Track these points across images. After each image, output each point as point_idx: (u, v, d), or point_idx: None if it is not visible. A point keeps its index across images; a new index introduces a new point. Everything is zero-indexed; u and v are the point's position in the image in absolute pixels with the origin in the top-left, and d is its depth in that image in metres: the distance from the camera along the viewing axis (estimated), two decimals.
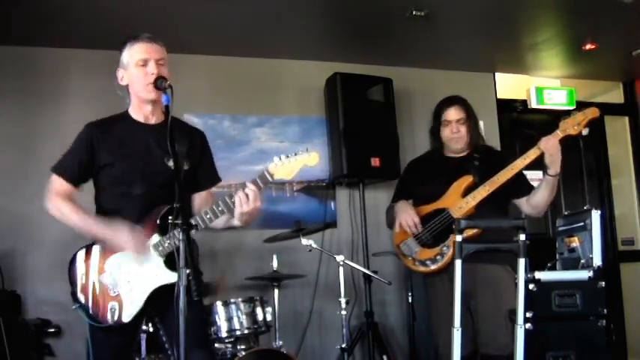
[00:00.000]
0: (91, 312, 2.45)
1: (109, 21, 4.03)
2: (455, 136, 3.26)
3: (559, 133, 3.02)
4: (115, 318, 2.42)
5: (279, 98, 5.02)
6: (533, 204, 3.18)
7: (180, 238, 2.11)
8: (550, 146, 2.98)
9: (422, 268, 3.14)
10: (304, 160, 2.41)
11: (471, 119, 3.30)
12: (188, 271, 2.06)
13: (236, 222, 2.50)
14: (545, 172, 3.06)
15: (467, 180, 3.15)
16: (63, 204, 2.50)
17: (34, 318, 4.01)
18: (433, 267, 3.08)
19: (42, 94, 4.44)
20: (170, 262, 2.41)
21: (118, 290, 2.44)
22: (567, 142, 3.12)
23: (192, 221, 2.40)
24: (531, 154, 3.05)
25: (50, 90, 4.46)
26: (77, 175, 2.54)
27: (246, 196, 2.38)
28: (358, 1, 4.15)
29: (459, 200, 3.11)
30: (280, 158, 2.41)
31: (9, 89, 4.38)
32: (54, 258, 4.12)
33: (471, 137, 3.28)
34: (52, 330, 4.01)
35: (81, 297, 2.47)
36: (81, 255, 2.52)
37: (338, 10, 4.29)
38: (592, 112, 3.05)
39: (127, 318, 2.43)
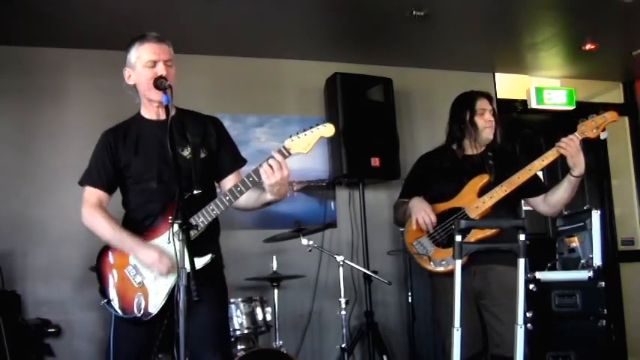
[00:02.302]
0: (118, 306, 2.46)
1: (109, 21, 4.03)
2: (489, 125, 3.21)
3: (577, 136, 2.97)
4: (142, 309, 2.42)
5: (279, 98, 5.02)
6: (552, 203, 3.12)
7: (181, 238, 2.10)
8: (570, 148, 2.94)
9: (438, 268, 3.09)
10: (320, 132, 2.42)
11: (496, 113, 3.30)
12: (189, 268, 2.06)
13: (269, 196, 2.48)
14: (569, 173, 3.02)
15: (483, 179, 3.10)
16: (96, 216, 2.51)
17: (34, 318, 4.01)
18: (449, 267, 3.03)
19: (42, 94, 4.43)
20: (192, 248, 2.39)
21: (143, 281, 2.45)
22: None
23: (214, 206, 2.42)
24: (549, 156, 3.00)
25: (50, 90, 4.46)
26: (105, 182, 2.56)
27: (271, 167, 2.37)
28: (358, 1, 4.15)
29: (475, 200, 3.06)
30: (297, 134, 2.41)
31: (9, 89, 4.37)
32: (54, 258, 4.14)
33: (496, 131, 3.26)
34: (52, 330, 4.00)
35: (110, 292, 2.48)
36: (106, 250, 2.53)
37: (338, 11, 4.29)
38: (611, 116, 2.99)
39: (153, 308, 2.42)
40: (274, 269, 3.99)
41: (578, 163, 2.95)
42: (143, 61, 2.48)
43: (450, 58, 5.18)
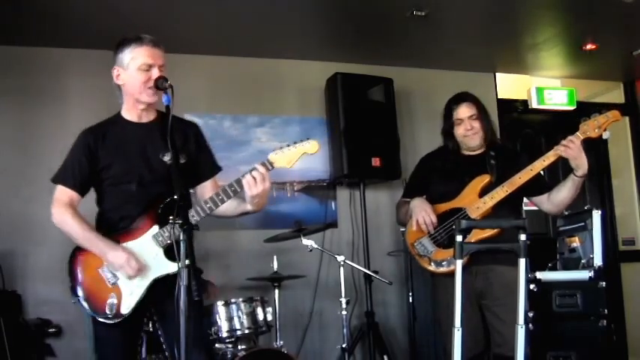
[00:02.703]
0: (89, 305, 2.45)
1: (109, 21, 4.02)
2: (470, 133, 3.17)
3: (579, 136, 2.94)
4: (114, 310, 2.42)
5: (279, 98, 5.02)
6: (556, 202, 3.11)
7: (181, 237, 2.11)
8: (571, 151, 2.91)
9: (438, 269, 3.09)
10: (304, 148, 2.49)
11: (482, 114, 3.22)
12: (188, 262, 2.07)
13: (249, 207, 2.52)
14: (572, 173, 3.00)
15: (484, 179, 3.09)
16: (66, 214, 2.50)
17: (35, 318, 4.01)
18: (450, 268, 3.01)
19: (42, 95, 4.43)
20: (169, 252, 2.44)
21: (117, 282, 2.45)
22: None
23: (194, 212, 2.44)
24: (550, 156, 2.98)
25: (50, 90, 4.46)
26: (80, 182, 2.54)
27: (254, 178, 2.41)
28: (358, 1, 4.15)
29: (476, 200, 3.05)
30: (281, 148, 2.48)
31: (9, 89, 4.37)
32: (54, 258, 4.11)
33: (485, 132, 3.20)
34: (53, 330, 4.00)
35: (80, 290, 2.47)
36: (81, 249, 2.52)
37: (338, 10, 4.29)
38: (614, 115, 2.97)
39: (125, 309, 2.42)
40: (275, 269, 3.99)
41: (581, 165, 2.93)
42: (138, 64, 2.48)
43: (451, 58, 5.18)
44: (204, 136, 2.75)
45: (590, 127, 2.96)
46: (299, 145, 2.49)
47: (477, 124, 3.19)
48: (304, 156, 2.51)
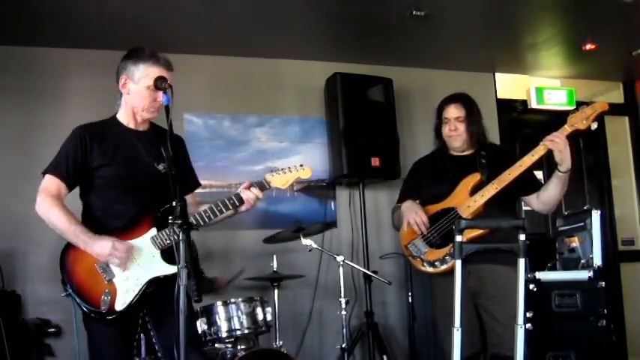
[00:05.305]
0: (82, 298, 2.44)
1: (109, 21, 4.03)
2: (453, 134, 3.23)
3: (567, 128, 2.97)
4: (108, 305, 2.42)
5: (279, 98, 5.02)
6: (545, 200, 3.13)
7: (181, 237, 2.11)
8: (557, 144, 2.93)
9: (430, 269, 3.09)
10: (298, 173, 2.75)
11: (470, 117, 3.24)
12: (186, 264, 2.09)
13: (233, 213, 2.68)
14: (556, 169, 3.02)
15: (474, 178, 3.11)
16: (54, 206, 2.48)
17: (34, 318, 4.01)
18: (442, 268, 3.03)
19: (42, 95, 4.44)
20: (166, 254, 2.47)
21: (113, 279, 2.45)
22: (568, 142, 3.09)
23: (192, 219, 2.50)
24: (539, 151, 3.01)
25: (50, 90, 4.46)
26: (71, 176, 2.54)
27: (255, 197, 2.63)
28: (358, 2, 4.15)
29: (467, 199, 3.06)
30: (277, 171, 2.70)
31: (9, 89, 4.38)
32: (54, 258, 4.07)
33: (470, 135, 3.23)
34: (52, 330, 4.00)
35: (72, 283, 2.46)
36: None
37: (338, 10, 4.29)
38: (601, 106, 3.00)
39: (120, 306, 2.43)
40: (274, 269, 3.99)
41: (565, 159, 2.96)
42: (148, 84, 2.50)
43: (450, 58, 5.18)
44: (187, 150, 2.84)
45: (577, 119, 2.99)
46: (294, 170, 2.73)
47: (461, 127, 3.23)
48: (298, 179, 2.77)
